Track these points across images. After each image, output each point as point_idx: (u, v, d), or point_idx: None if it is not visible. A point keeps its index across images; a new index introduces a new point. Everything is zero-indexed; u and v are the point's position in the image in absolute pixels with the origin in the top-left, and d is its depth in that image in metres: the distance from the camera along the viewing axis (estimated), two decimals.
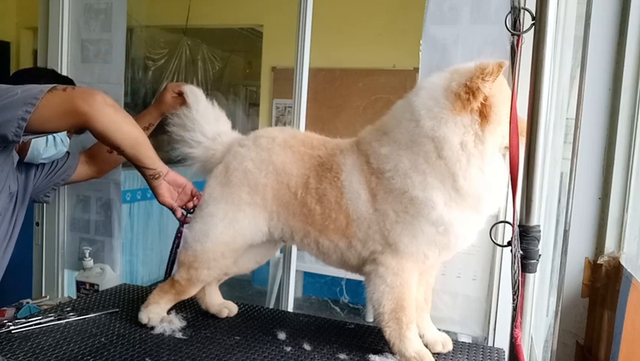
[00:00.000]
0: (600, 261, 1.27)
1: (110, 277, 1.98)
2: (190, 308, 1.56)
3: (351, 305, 3.90)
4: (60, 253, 2.10)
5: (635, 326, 1.09)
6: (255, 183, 1.34)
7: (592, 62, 1.26)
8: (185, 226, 1.48)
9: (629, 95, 1.23)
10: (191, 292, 1.42)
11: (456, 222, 1.17)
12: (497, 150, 1.16)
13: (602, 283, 1.26)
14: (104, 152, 1.80)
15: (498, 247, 1.51)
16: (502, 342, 1.51)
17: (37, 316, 1.43)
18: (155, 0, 4.77)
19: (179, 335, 1.37)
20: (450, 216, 1.16)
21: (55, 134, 1.60)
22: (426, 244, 1.20)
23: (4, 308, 1.78)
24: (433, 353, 1.28)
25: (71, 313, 1.46)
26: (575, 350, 1.33)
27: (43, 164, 1.70)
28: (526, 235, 0.95)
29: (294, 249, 1.90)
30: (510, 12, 0.95)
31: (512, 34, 0.96)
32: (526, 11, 0.94)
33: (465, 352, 1.37)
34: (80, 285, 2.00)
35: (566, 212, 1.34)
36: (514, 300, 0.95)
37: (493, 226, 1.15)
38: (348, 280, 3.84)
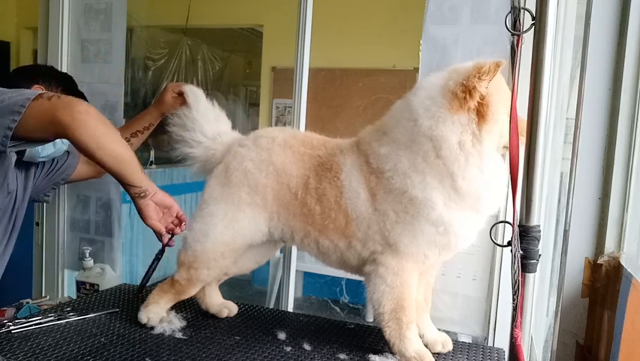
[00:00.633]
0: (600, 261, 1.27)
1: (110, 277, 1.98)
2: (190, 308, 1.56)
3: (351, 305, 3.90)
4: (60, 253, 2.10)
5: (635, 326, 1.09)
6: (255, 184, 1.34)
7: (592, 62, 1.26)
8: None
9: (629, 95, 1.23)
10: (191, 292, 1.42)
11: (456, 222, 1.17)
12: (495, 149, 1.16)
13: (602, 283, 1.26)
14: None
15: (498, 247, 1.51)
16: (502, 342, 1.51)
17: (37, 316, 1.43)
18: (155, 0, 4.77)
19: (179, 335, 1.37)
20: (450, 217, 1.16)
21: None
22: (426, 244, 1.20)
23: (4, 308, 1.78)
24: (433, 353, 1.28)
25: (71, 313, 1.46)
26: (575, 350, 1.33)
27: (43, 163, 1.70)
28: (526, 235, 0.95)
29: (294, 249, 1.90)
30: (510, 12, 0.95)
31: (512, 34, 0.96)
32: (526, 11, 0.94)
33: (465, 352, 1.37)
34: (79, 285, 2.00)
35: (566, 212, 1.34)
36: (514, 300, 0.95)
37: (493, 226, 1.15)
38: (348, 280, 3.84)
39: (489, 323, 1.54)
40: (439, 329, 1.40)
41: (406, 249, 1.20)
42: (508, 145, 1.13)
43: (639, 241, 1.26)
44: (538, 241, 0.96)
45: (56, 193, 2.04)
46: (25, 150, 1.57)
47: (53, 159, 1.72)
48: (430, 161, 1.15)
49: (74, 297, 1.96)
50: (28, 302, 1.86)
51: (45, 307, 1.63)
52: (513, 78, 0.97)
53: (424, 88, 1.19)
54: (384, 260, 1.23)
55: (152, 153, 4.47)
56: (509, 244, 0.97)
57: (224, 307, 1.53)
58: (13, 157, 1.57)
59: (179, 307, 1.50)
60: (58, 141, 1.62)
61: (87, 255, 2.01)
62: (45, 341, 1.29)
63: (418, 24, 1.59)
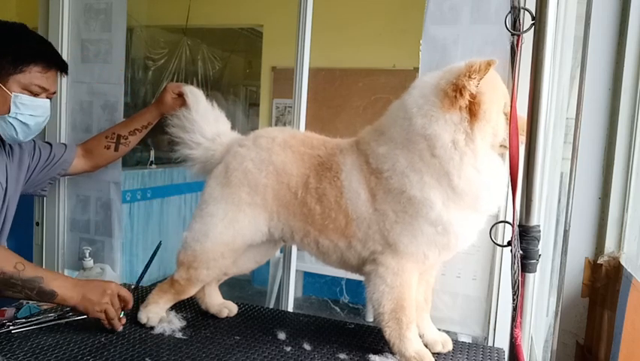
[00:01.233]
0: (600, 261, 1.27)
1: (110, 277, 1.98)
2: (190, 308, 1.56)
3: (351, 305, 3.90)
4: (60, 253, 2.09)
5: (635, 326, 1.09)
6: (255, 184, 1.34)
7: (592, 62, 1.26)
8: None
9: (629, 95, 1.23)
10: (191, 292, 1.42)
11: (455, 222, 1.17)
12: (489, 147, 1.15)
13: (602, 283, 1.26)
14: (100, 147, 1.80)
15: (498, 247, 1.51)
16: (502, 342, 1.50)
17: (37, 316, 1.43)
18: (155, 0, 4.77)
19: (179, 335, 1.37)
20: (449, 216, 1.16)
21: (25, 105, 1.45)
22: (425, 244, 1.20)
23: (4, 308, 1.77)
24: (433, 353, 1.28)
25: (71, 313, 1.46)
26: (575, 350, 1.33)
27: (39, 156, 1.68)
28: (526, 234, 0.95)
29: (294, 249, 1.89)
30: (510, 12, 0.95)
31: (512, 34, 0.96)
32: (526, 11, 0.94)
33: (465, 352, 1.37)
34: None
35: (566, 212, 1.34)
36: (514, 300, 0.95)
37: (493, 226, 1.15)
38: (348, 280, 3.84)
39: (489, 323, 1.54)
40: (439, 329, 1.40)
41: (405, 249, 1.20)
42: (506, 144, 1.13)
43: (639, 241, 1.26)
44: (538, 241, 0.96)
45: (56, 193, 2.04)
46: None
47: (50, 153, 1.71)
48: (426, 160, 1.15)
49: None
50: (28, 302, 1.85)
51: (45, 307, 1.62)
52: (513, 78, 0.97)
53: (417, 87, 1.20)
54: (384, 260, 1.23)
55: (152, 153, 4.47)
56: (509, 244, 0.97)
57: (224, 307, 1.53)
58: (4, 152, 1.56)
59: (179, 307, 1.50)
60: (41, 106, 1.49)
61: (87, 255, 2.01)
62: (45, 341, 1.29)
63: (418, 24, 1.59)
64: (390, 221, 1.20)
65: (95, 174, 1.97)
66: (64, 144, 1.79)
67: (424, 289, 1.36)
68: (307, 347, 1.32)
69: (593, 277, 1.28)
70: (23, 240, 2.10)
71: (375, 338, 1.39)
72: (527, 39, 0.94)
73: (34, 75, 1.44)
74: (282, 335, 1.38)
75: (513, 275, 0.95)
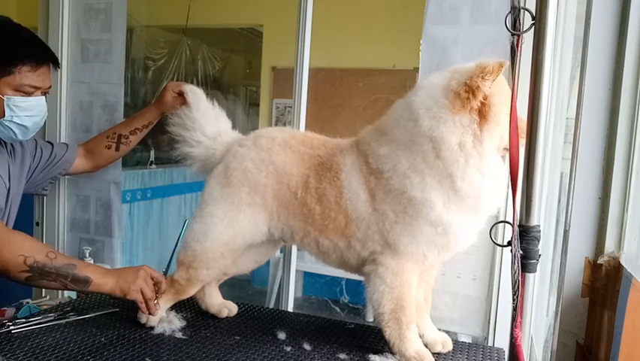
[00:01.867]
0: (600, 261, 1.27)
1: None
2: (190, 308, 1.56)
3: (351, 305, 3.90)
4: None
5: (635, 326, 1.09)
6: (255, 184, 1.34)
7: (592, 62, 1.26)
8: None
9: (629, 95, 1.23)
10: (191, 291, 1.42)
11: (455, 222, 1.16)
12: (496, 150, 1.16)
13: (602, 283, 1.26)
14: (101, 147, 1.80)
15: (498, 247, 1.51)
16: (502, 342, 1.51)
17: (37, 316, 1.44)
18: (155, 0, 4.77)
19: (179, 335, 1.37)
20: (449, 217, 1.16)
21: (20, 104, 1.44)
22: (425, 244, 1.20)
23: (4, 308, 1.77)
24: (433, 353, 1.28)
25: (71, 313, 1.46)
26: (575, 350, 1.33)
27: (40, 155, 1.68)
28: (526, 234, 0.95)
29: (294, 249, 1.89)
30: (510, 12, 0.95)
31: (512, 34, 0.96)
32: (526, 11, 0.94)
33: (465, 352, 1.37)
34: None
35: (566, 212, 1.34)
36: (514, 300, 0.95)
37: (493, 226, 1.15)
38: (348, 280, 3.84)
39: (489, 323, 1.54)
40: (439, 329, 1.40)
41: (405, 249, 1.20)
42: (508, 147, 1.13)
43: (639, 241, 1.26)
44: (538, 241, 0.96)
45: (56, 193, 2.04)
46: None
47: (51, 153, 1.71)
48: (429, 162, 1.15)
49: (74, 297, 1.96)
50: (28, 302, 1.85)
51: (45, 307, 1.62)
52: (513, 78, 0.97)
53: (425, 88, 1.19)
54: (383, 260, 1.23)
55: (152, 152, 4.47)
56: (509, 244, 0.97)
57: (224, 307, 1.53)
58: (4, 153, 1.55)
59: (179, 307, 1.50)
60: (36, 105, 1.47)
61: (87, 255, 2.01)
62: (45, 341, 1.29)
63: (418, 24, 1.59)
64: (390, 221, 1.20)
65: (95, 174, 1.97)
66: (66, 144, 1.78)
67: (423, 289, 1.36)
68: (307, 347, 1.32)
69: (593, 277, 1.28)
70: None
71: (375, 338, 1.39)
72: (527, 39, 0.94)
73: (25, 75, 1.42)
74: (282, 335, 1.38)
75: (513, 275, 0.95)
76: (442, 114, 1.13)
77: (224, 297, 1.58)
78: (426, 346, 1.29)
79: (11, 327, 1.34)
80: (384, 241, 1.22)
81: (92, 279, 1.32)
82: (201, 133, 1.47)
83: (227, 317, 1.52)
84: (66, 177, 2.03)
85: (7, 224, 1.60)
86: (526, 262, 0.95)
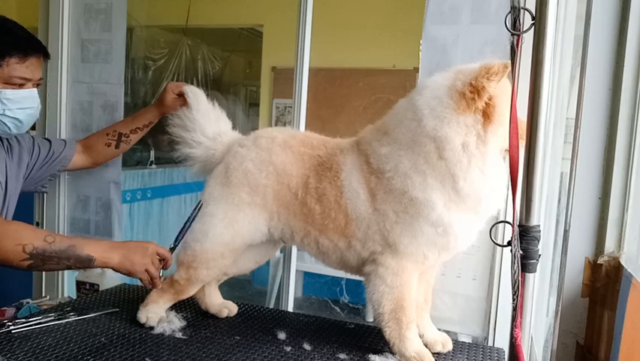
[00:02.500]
0: (600, 261, 1.27)
1: (110, 277, 1.97)
2: (190, 308, 1.56)
3: (351, 305, 3.90)
4: None
5: (635, 326, 1.09)
6: (256, 184, 1.34)
7: (592, 61, 1.26)
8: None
9: (629, 95, 1.23)
10: (190, 291, 1.42)
11: (455, 223, 1.16)
12: (499, 151, 1.16)
13: (602, 283, 1.26)
14: (100, 144, 1.80)
15: (498, 247, 1.51)
16: (502, 342, 1.51)
17: (37, 316, 1.43)
18: (155, 0, 4.77)
19: (179, 334, 1.37)
20: (449, 218, 1.16)
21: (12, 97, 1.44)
22: (425, 244, 1.19)
23: (4, 308, 1.78)
24: (433, 353, 1.28)
25: (71, 313, 1.46)
26: (575, 350, 1.33)
27: (38, 153, 1.67)
28: (526, 234, 0.95)
29: (294, 249, 1.89)
30: (510, 12, 0.95)
31: (512, 34, 0.96)
32: (526, 11, 0.94)
33: (465, 352, 1.37)
34: (79, 285, 1.99)
35: (566, 212, 1.34)
36: (514, 300, 0.95)
37: (493, 226, 1.15)
38: (348, 280, 3.84)
39: (489, 323, 1.54)
40: (439, 329, 1.40)
41: (405, 249, 1.20)
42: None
43: (639, 241, 1.26)
44: (538, 241, 0.96)
45: (56, 193, 2.04)
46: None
47: (49, 150, 1.71)
48: (431, 162, 1.15)
49: (74, 297, 1.96)
50: (28, 302, 1.86)
51: (45, 307, 1.63)
52: (513, 78, 0.97)
53: (429, 88, 1.18)
54: (383, 260, 1.23)
55: (152, 152, 4.47)
56: (509, 244, 0.97)
57: (224, 307, 1.53)
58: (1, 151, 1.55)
59: (179, 307, 1.50)
60: (28, 97, 1.47)
61: None
62: (45, 341, 1.29)
63: (418, 24, 1.59)
64: (391, 221, 1.20)
65: (95, 173, 1.97)
66: (64, 140, 1.78)
67: (424, 289, 1.36)
68: (307, 347, 1.32)
69: (593, 277, 1.28)
70: None
71: (375, 338, 1.39)
72: (527, 39, 0.94)
73: (13, 67, 1.41)
74: (282, 335, 1.38)
75: (513, 275, 0.95)
76: (446, 114, 1.13)
77: (224, 297, 1.58)
78: (426, 346, 1.29)
79: (11, 327, 1.33)
80: (385, 241, 1.22)
81: (94, 257, 1.32)
82: (201, 134, 1.47)
83: (227, 317, 1.52)
84: (66, 177, 2.04)
85: None
86: (526, 262, 0.95)
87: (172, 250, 1.51)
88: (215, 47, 6.02)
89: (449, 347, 1.35)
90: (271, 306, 3.14)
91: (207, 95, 1.56)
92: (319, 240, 1.31)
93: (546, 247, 1.61)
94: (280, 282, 2.20)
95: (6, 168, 1.56)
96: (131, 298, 1.63)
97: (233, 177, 1.36)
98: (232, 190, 1.36)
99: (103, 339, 1.32)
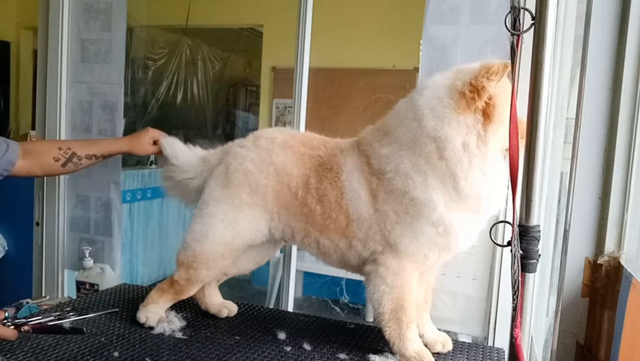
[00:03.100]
0: (600, 261, 1.27)
1: (110, 277, 1.98)
2: (190, 308, 1.56)
3: (351, 305, 3.90)
4: (60, 253, 2.10)
5: (635, 326, 1.09)
6: (256, 184, 1.34)
7: (592, 61, 1.26)
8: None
9: (629, 95, 1.23)
10: (190, 292, 1.42)
11: (456, 223, 1.16)
12: (499, 151, 1.16)
13: (602, 283, 1.26)
14: (48, 155, 1.61)
15: (498, 247, 1.51)
16: (502, 342, 1.51)
17: (37, 316, 1.43)
18: (155, 0, 4.77)
19: (179, 334, 1.37)
20: (450, 218, 1.16)
21: None
22: (426, 244, 1.19)
23: (4, 308, 1.77)
24: (433, 353, 1.28)
25: (71, 313, 1.46)
26: (575, 350, 1.33)
27: None
28: (526, 234, 0.95)
29: (294, 249, 1.89)
30: (510, 12, 0.95)
31: (512, 34, 0.96)
32: (526, 11, 0.94)
33: (465, 352, 1.37)
34: (79, 285, 2.00)
35: (566, 212, 1.34)
36: (514, 300, 0.95)
37: (493, 226, 1.15)
38: (348, 280, 3.84)
39: (489, 323, 1.54)
40: (439, 329, 1.40)
41: (406, 249, 1.20)
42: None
43: (639, 241, 1.26)
44: (538, 241, 0.96)
45: (56, 193, 2.04)
46: None
47: None
48: (432, 162, 1.15)
49: (74, 297, 1.96)
50: (28, 302, 1.85)
51: (45, 307, 1.62)
52: (513, 78, 0.97)
53: (429, 88, 1.18)
54: (384, 260, 1.23)
55: None
56: (509, 243, 0.97)
57: (224, 307, 1.53)
58: None
59: (179, 307, 1.50)
60: None
61: (87, 255, 2.01)
62: (45, 341, 1.29)
63: (418, 24, 1.59)
64: (392, 222, 1.20)
65: (95, 174, 1.97)
66: (6, 142, 1.55)
67: (424, 289, 1.36)
68: (307, 347, 1.32)
69: (593, 277, 1.28)
70: (23, 240, 2.10)
71: (375, 338, 1.39)
72: (527, 39, 0.94)
73: None
74: (282, 335, 1.38)
75: (513, 275, 0.95)
76: (446, 114, 1.13)
77: (224, 297, 1.58)
78: (426, 346, 1.29)
79: (11, 327, 1.33)
80: (386, 241, 1.22)
81: None
82: (190, 169, 1.49)
83: (227, 317, 1.52)
84: (66, 177, 2.03)
85: None
86: (526, 262, 0.95)
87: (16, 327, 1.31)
88: (215, 47, 6.02)
89: (449, 347, 1.35)
90: (271, 306, 3.14)
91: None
92: (320, 240, 1.31)
93: (546, 247, 1.61)
94: (280, 282, 2.20)
95: None
96: (131, 298, 1.63)
97: (234, 177, 1.36)
98: (232, 191, 1.36)
99: (103, 339, 1.32)
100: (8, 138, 1.59)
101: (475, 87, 1.11)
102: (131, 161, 4.36)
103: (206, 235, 1.35)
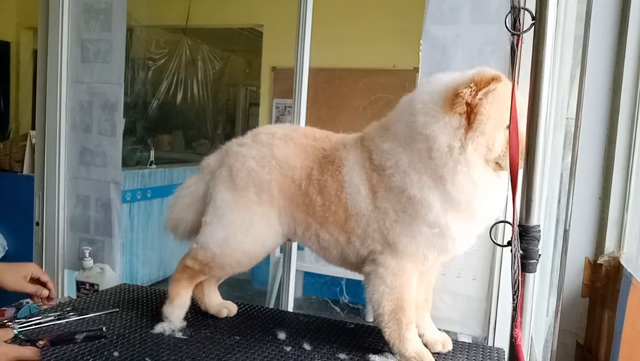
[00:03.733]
0: (600, 261, 1.27)
1: (110, 277, 1.98)
2: (190, 308, 1.56)
3: (351, 305, 3.90)
4: (60, 253, 2.10)
5: (635, 326, 1.09)
6: (260, 181, 1.33)
7: (592, 61, 1.26)
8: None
9: (629, 95, 1.23)
10: (201, 278, 1.44)
11: (453, 226, 1.16)
12: (483, 161, 1.13)
13: (602, 283, 1.26)
14: None
15: (498, 247, 1.51)
16: (502, 342, 1.51)
17: (37, 316, 1.43)
18: (155, 0, 4.77)
19: (179, 334, 1.37)
20: (446, 220, 1.15)
21: None
22: (424, 245, 1.19)
23: (4, 308, 1.77)
24: (433, 353, 1.28)
25: (71, 313, 1.46)
26: (575, 350, 1.33)
27: None
28: (526, 234, 0.95)
29: (294, 249, 1.90)
30: (510, 12, 0.95)
31: (512, 34, 0.96)
32: (526, 11, 0.94)
33: (465, 352, 1.37)
34: (79, 285, 2.00)
35: (566, 212, 1.34)
36: (514, 300, 0.95)
37: (493, 226, 1.15)
38: (348, 280, 3.84)
39: (489, 323, 1.54)
40: (439, 329, 1.40)
41: (405, 249, 1.20)
42: (500, 162, 1.12)
43: (639, 241, 1.26)
44: (538, 241, 0.96)
45: (56, 193, 2.05)
46: None
47: None
48: (424, 160, 1.14)
49: (74, 297, 1.96)
50: (28, 302, 1.86)
51: (45, 307, 1.63)
52: (513, 78, 0.97)
53: (429, 83, 1.19)
54: (383, 260, 1.23)
55: (152, 153, 4.47)
56: (509, 243, 0.97)
57: (224, 307, 1.53)
58: None
59: None
60: None
61: (87, 255, 2.01)
62: None
63: (418, 24, 1.59)
64: (391, 220, 1.20)
65: (95, 174, 1.97)
66: None
67: (424, 289, 1.36)
68: (307, 347, 1.32)
69: (593, 277, 1.28)
70: (23, 240, 2.10)
71: (375, 338, 1.39)
72: (527, 39, 0.94)
73: None
74: (282, 335, 1.38)
75: (513, 275, 0.95)
76: (434, 112, 1.13)
77: (224, 297, 1.58)
78: (426, 346, 1.29)
79: (27, 344, 1.33)
80: (384, 239, 1.22)
81: None
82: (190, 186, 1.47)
83: (227, 317, 1.52)
84: (66, 177, 2.04)
85: None
86: (526, 262, 0.95)
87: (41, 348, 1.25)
88: (215, 47, 6.02)
89: (449, 347, 1.35)
90: (271, 306, 3.14)
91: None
92: (320, 233, 1.30)
93: (546, 247, 1.61)
94: (280, 282, 2.20)
95: None
96: (131, 298, 1.63)
97: (239, 179, 1.35)
98: (241, 194, 1.34)
99: (103, 339, 1.32)
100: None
101: (457, 91, 1.11)
102: (131, 161, 4.36)
103: (227, 242, 1.35)
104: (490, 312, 1.54)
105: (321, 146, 1.33)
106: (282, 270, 1.97)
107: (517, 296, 0.94)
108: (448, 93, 1.12)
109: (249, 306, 1.62)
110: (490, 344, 1.53)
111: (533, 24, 0.92)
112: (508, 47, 0.98)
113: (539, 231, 0.96)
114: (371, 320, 1.41)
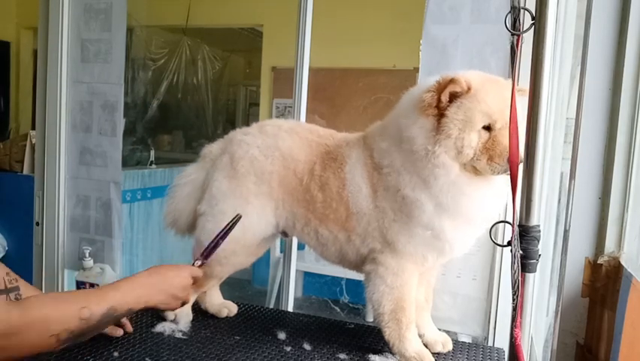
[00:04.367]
0: (600, 261, 1.27)
1: (110, 277, 1.98)
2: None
3: (351, 305, 3.90)
4: (60, 253, 2.10)
5: (635, 326, 1.09)
6: (262, 171, 1.33)
7: (592, 61, 1.26)
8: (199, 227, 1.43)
9: (629, 95, 1.23)
10: (206, 286, 1.44)
11: (447, 230, 1.15)
12: (456, 163, 1.11)
13: (602, 283, 1.26)
14: None
15: (498, 247, 1.51)
16: (502, 342, 1.51)
17: None
18: (155, 0, 4.77)
19: (179, 334, 1.37)
20: (440, 223, 1.14)
21: None
22: (422, 245, 1.19)
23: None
24: (433, 353, 1.28)
25: None
26: (575, 350, 1.33)
27: None
28: (526, 234, 0.95)
29: (294, 249, 1.90)
30: (510, 12, 0.95)
31: (512, 34, 0.96)
32: (526, 11, 0.94)
33: (465, 352, 1.37)
34: (79, 285, 2.00)
35: (566, 212, 1.34)
36: (514, 300, 0.95)
37: (493, 226, 1.15)
38: (348, 280, 3.84)
39: (489, 323, 1.54)
40: (440, 329, 1.40)
41: (403, 248, 1.20)
42: (476, 165, 1.11)
43: (639, 241, 1.26)
44: (538, 241, 0.96)
45: (56, 193, 2.05)
46: None
47: None
48: (412, 162, 1.15)
49: None
50: None
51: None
52: (513, 78, 0.97)
53: (417, 86, 1.21)
54: (384, 260, 1.23)
55: (152, 153, 4.47)
56: (509, 243, 0.97)
57: (224, 307, 1.53)
58: None
59: None
60: None
61: (87, 255, 2.01)
62: None
63: (418, 24, 1.59)
64: (389, 219, 1.20)
65: (95, 174, 1.97)
66: None
67: (424, 289, 1.36)
68: (307, 347, 1.32)
69: (593, 277, 1.28)
70: (23, 240, 2.10)
71: (375, 338, 1.39)
72: (527, 39, 0.94)
73: None
74: (282, 335, 1.38)
75: (513, 275, 0.95)
76: (412, 114, 1.14)
77: (225, 297, 1.58)
78: (426, 346, 1.29)
79: None
80: (384, 238, 1.22)
81: (134, 308, 1.13)
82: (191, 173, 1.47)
83: (227, 317, 1.52)
84: (66, 177, 2.04)
85: None
86: (526, 262, 0.95)
87: (201, 266, 1.33)
88: (215, 47, 6.01)
89: (449, 347, 1.35)
90: (271, 306, 3.14)
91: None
92: (319, 230, 1.30)
93: (546, 247, 1.61)
94: (280, 282, 2.20)
95: None
96: None
97: (240, 166, 1.34)
98: (239, 182, 1.34)
99: (103, 339, 1.32)
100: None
101: (427, 95, 1.11)
102: (131, 161, 4.36)
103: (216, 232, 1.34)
104: (490, 312, 1.54)
105: (325, 142, 1.34)
106: (282, 270, 1.97)
107: (517, 296, 0.94)
108: (425, 94, 1.13)
109: (249, 306, 1.62)
110: (490, 344, 1.53)
111: (533, 24, 0.92)
112: (508, 47, 0.98)
113: (539, 231, 0.96)
114: (371, 320, 1.41)
